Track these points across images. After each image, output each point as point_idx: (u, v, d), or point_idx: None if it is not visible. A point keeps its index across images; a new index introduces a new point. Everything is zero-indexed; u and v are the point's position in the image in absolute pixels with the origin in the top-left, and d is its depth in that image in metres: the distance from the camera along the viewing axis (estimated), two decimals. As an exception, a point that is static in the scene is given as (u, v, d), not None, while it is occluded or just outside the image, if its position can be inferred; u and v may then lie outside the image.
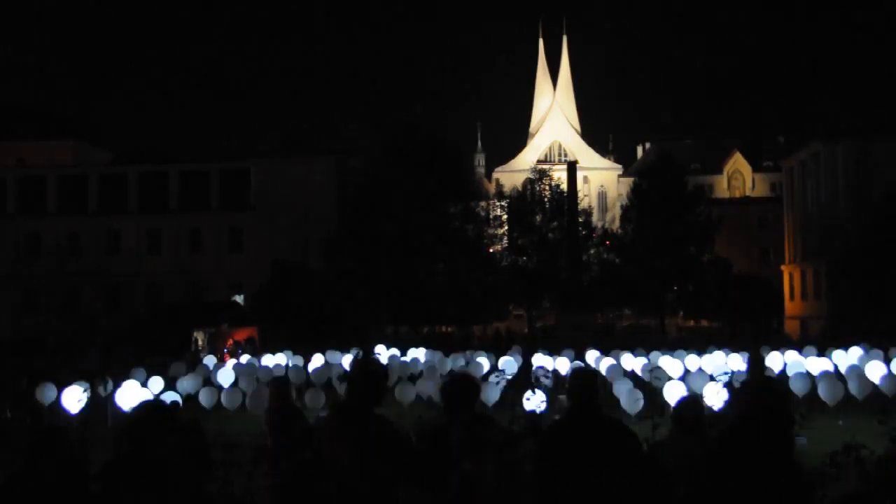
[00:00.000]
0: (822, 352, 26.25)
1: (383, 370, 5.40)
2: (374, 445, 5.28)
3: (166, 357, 27.94)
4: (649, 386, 19.42)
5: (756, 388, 8.81)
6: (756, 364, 9.34)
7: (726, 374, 16.20)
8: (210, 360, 28.98)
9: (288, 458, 8.79)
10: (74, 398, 17.48)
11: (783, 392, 9.41)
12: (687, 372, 22.26)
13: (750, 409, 6.49)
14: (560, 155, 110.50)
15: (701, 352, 26.44)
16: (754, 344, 28.36)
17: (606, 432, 5.01)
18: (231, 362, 27.90)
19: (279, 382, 9.53)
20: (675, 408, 6.43)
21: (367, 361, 5.56)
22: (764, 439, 4.88)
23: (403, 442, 5.50)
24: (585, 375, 5.35)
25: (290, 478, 5.41)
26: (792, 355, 25.22)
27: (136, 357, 27.65)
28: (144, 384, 21.48)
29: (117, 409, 18.24)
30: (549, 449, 5.04)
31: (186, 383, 21.81)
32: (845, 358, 24.09)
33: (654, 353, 26.19)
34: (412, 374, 24.58)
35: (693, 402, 6.57)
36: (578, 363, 22.46)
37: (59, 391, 18.48)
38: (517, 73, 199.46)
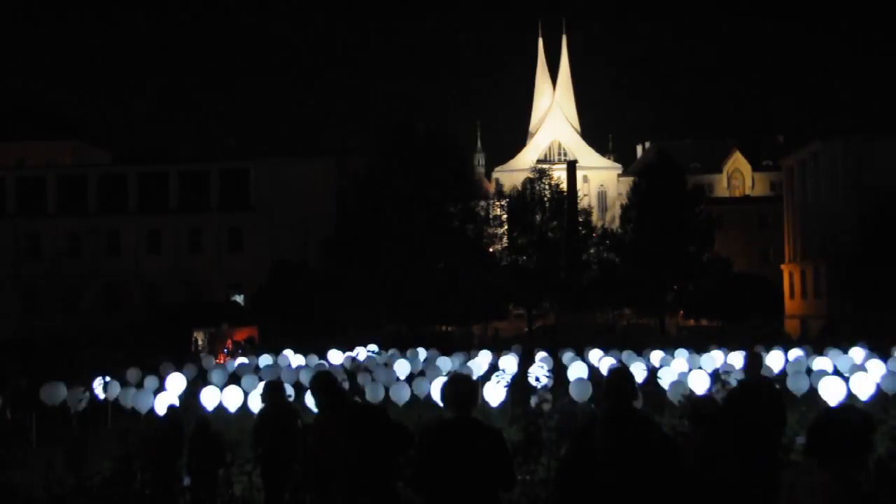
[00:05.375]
0: (822, 351, 26.25)
1: (332, 381, 6.31)
2: (362, 425, 5.69)
3: (165, 357, 27.94)
4: (650, 385, 19.43)
5: (752, 388, 8.82)
6: (753, 363, 9.34)
7: (726, 372, 16.20)
8: (209, 361, 29.03)
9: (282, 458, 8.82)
10: (75, 398, 17.50)
11: (777, 392, 9.40)
12: (688, 371, 22.27)
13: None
14: (560, 154, 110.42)
15: (701, 351, 26.46)
16: (753, 343, 28.34)
17: (643, 434, 5.04)
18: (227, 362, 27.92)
19: (273, 385, 9.54)
20: (692, 406, 6.47)
21: (318, 375, 6.45)
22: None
23: (389, 420, 5.91)
24: (622, 375, 5.36)
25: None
26: (792, 354, 25.24)
27: (136, 357, 27.66)
28: (140, 384, 21.52)
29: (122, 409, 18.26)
30: (583, 448, 5.06)
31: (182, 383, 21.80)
32: (845, 357, 24.09)
33: (654, 353, 26.22)
34: (412, 374, 24.58)
35: (710, 399, 6.65)
36: (615, 363, 22.49)
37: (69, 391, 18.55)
38: (517, 72, 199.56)
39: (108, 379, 19.68)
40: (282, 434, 8.84)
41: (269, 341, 38.37)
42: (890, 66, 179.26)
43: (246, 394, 19.40)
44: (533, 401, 13.12)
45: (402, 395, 19.34)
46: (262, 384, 20.85)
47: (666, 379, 19.60)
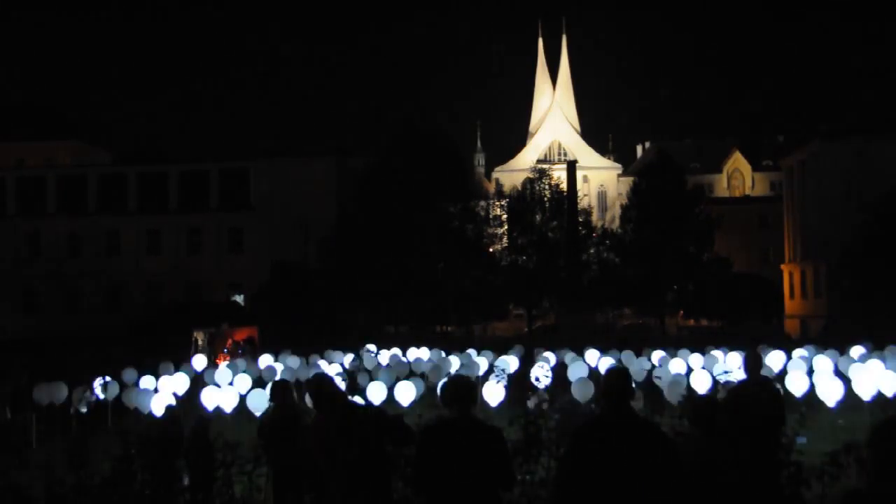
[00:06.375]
0: (822, 350, 26.23)
1: (329, 381, 6.41)
2: (359, 424, 5.76)
3: (165, 357, 27.92)
4: (649, 385, 19.43)
5: (752, 388, 8.82)
6: (753, 363, 9.33)
7: (726, 372, 16.22)
8: (201, 361, 29.03)
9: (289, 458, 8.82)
10: (76, 398, 17.52)
11: (777, 392, 9.39)
12: (688, 371, 22.29)
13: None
14: (560, 154, 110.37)
15: (701, 351, 26.45)
16: (753, 343, 28.35)
17: (640, 433, 5.04)
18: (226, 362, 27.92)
19: (281, 384, 9.50)
20: (692, 407, 6.48)
21: (315, 376, 6.60)
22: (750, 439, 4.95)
23: (387, 419, 5.96)
24: (620, 375, 5.36)
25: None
26: (792, 354, 25.23)
27: (135, 357, 27.64)
28: (137, 384, 21.53)
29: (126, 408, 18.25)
30: (581, 448, 5.07)
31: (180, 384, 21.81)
32: (846, 357, 24.08)
33: (654, 353, 26.20)
34: (412, 374, 24.57)
35: (708, 400, 6.65)
36: (613, 363, 22.52)
37: (70, 391, 18.57)
38: (517, 72, 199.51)
39: (107, 379, 19.68)
40: (291, 434, 8.82)
41: (268, 341, 38.35)
42: (890, 66, 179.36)
43: (242, 395, 19.40)
44: (532, 401, 13.12)
45: (403, 395, 19.30)
46: (253, 384, 20.98)
47: (666, 379, 19.60)
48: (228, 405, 19.07)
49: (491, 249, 56.34)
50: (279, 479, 9.00)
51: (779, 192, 78.96)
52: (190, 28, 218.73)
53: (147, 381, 21.65)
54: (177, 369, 24.95)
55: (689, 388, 18.45)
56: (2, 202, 65.29)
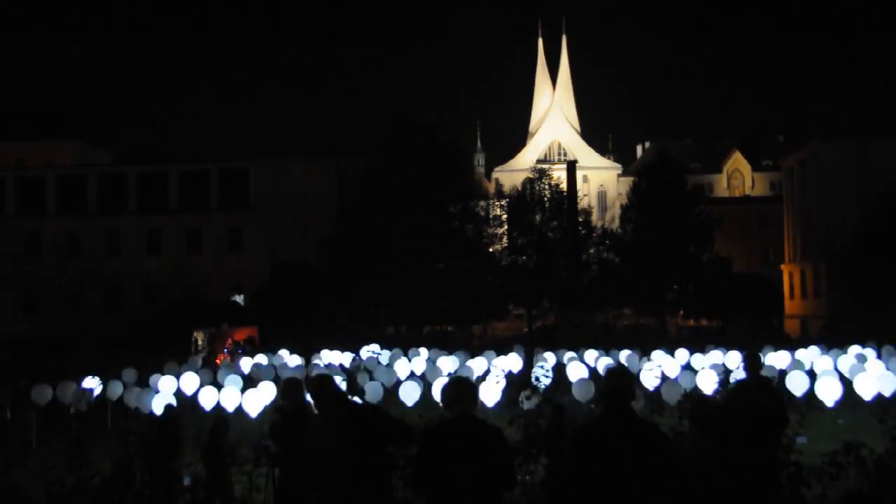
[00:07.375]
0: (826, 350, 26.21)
1: (329, 381, 6.48)
2: (359, 424, 5.77)
3: (168, 357, 27.91)
4: (649, 385, 19.43)
5: (751, 388, 8.83)
6: (752, 363, 9.34)
7: (726, 372, 16.22)
8: (196, 361, 29.03)
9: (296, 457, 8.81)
10: (76, 398, 17.52)
11: (778, 392, 9.39)
12: (685, 368, 22.29)
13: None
14: (560, 154, 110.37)
15: (701, 351, 26.46)
16: (753, 343, 28.35)
17: (640, 434, 5.04)
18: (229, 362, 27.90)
19: (293, 383, 9.45)
20: (692, 407, 6.47)
21: (316, 376, 6.71)
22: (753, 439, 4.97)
23: (388, 419, 5.97)
24: (621, 375, 5.35)
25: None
26: (794, 354, 25.22)
27: (136, 357, 27.66)
28: (136, 384, 21.55)
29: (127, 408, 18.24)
30: (582, 448, 5.06)
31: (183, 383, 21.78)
32: (846, 357, 24.08)
33: (654, 353, 26.21)
34: (412, 374, 24.57)
35: (709, 400, 6.66)
36: (612, 363, 22.50)
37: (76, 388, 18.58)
38: (517, 72, 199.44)
39: (100, 380, 19.68)
40: (301, 433, 8.79)
41: (268, 341, 38.39)
42: (890, 66, 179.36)
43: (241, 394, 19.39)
44: (531, 402, 13.08)
45: (409, 395, 19.24)
46: (252, 384, 20.96)
47: (665, 379, 19.60)
48: (229, 405, 19.08)
49: (491, 249, 56.29)
50: (286, 478, 8.99)
51: (779, 192, 78.96)
52: (190, 28, 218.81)
53: (151, 381, 21.65)
54: (179, 370, 24.95)
55: (694, 388, 18.46)
56: (2, 202, 65.27)
